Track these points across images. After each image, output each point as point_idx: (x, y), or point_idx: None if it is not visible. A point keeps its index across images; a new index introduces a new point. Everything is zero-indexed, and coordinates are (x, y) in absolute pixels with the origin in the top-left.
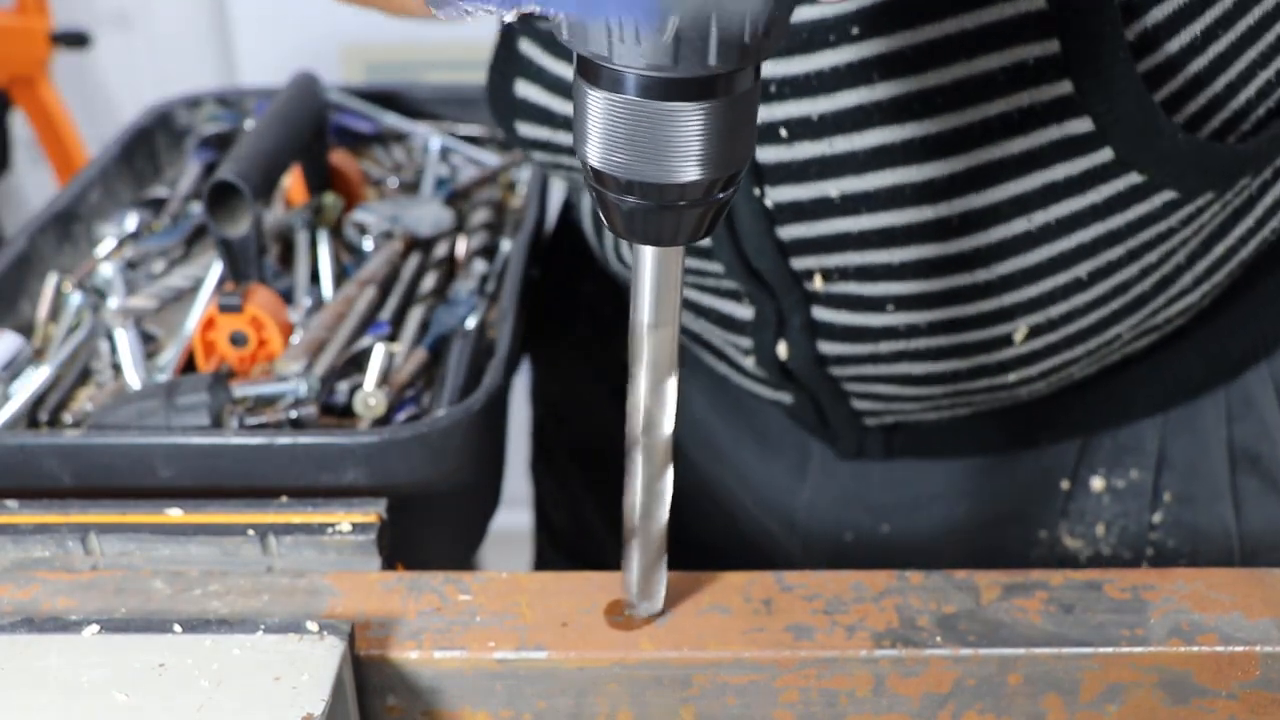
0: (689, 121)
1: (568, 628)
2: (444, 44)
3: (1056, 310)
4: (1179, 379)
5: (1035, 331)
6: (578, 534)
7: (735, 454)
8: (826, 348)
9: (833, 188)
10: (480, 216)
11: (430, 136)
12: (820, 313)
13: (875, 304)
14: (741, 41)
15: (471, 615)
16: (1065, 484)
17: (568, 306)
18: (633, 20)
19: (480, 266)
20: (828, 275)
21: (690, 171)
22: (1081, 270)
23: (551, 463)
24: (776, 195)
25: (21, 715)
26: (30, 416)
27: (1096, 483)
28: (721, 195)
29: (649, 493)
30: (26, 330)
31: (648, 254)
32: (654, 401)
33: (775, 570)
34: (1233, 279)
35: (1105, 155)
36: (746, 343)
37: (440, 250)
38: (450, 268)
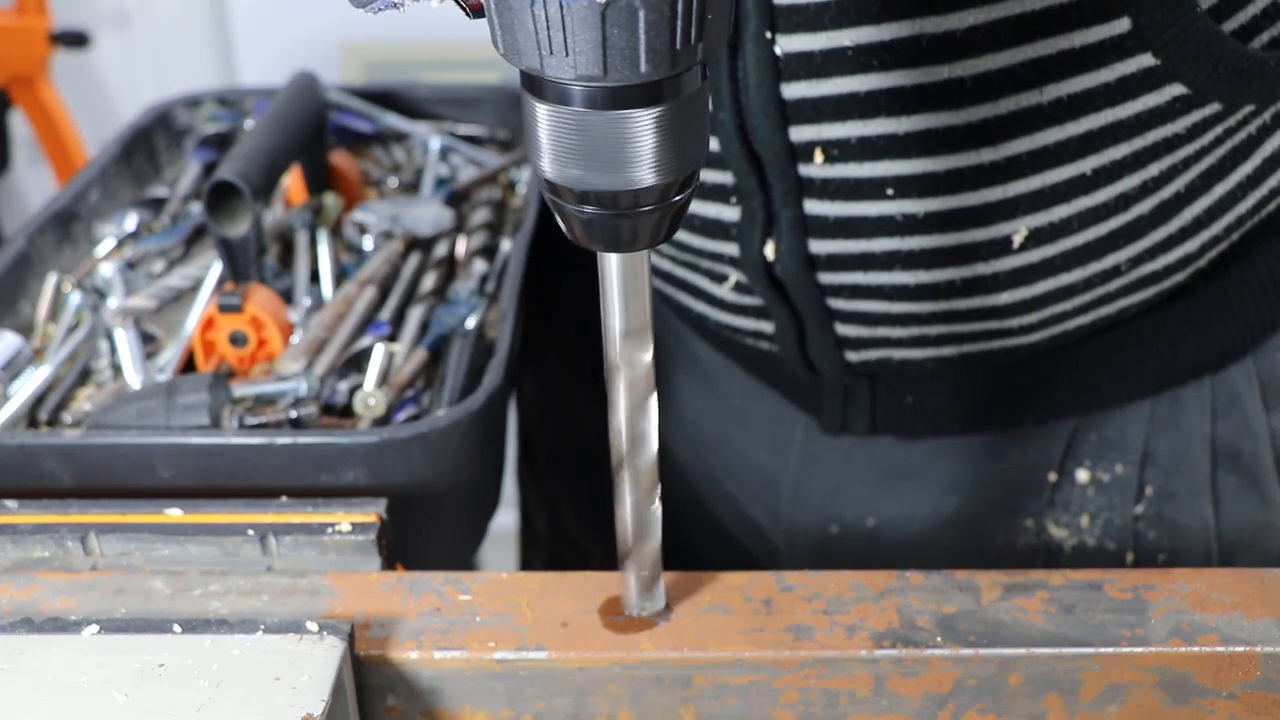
0: (635, 128)
1: (568, 628)
2: (444, 44)
3: (1058, 213)
4: (1164, 364)
5: (1035, 239)
6: (557, 539)
7: (721, 447)
8: (817, 246)
9: (847, 37)
10: (480, 216)
11: (430, 136)
12: (813, 205)
13: (874, 188)
14: (672, 47)
15: (471, 615)
16: (1052, 476)
17: (549, 308)
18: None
19: (480, 266)
20: (828, 151)
21: (643, 178)
22: (1086, 166)
23: (533, 466)
24: (788, 44)
25: (21, 715)
26: (30, 416)
27: (1082, 475)
28: (678, 198)
29: (639, 507)
30: (26, 330)
31: (612, 261)
32: (635, 408)
33: (772, 570)
34: (1230, 243)
35: (1123, 25)
36: (732, 250)
37: (440, 250)
38: (450, 268)
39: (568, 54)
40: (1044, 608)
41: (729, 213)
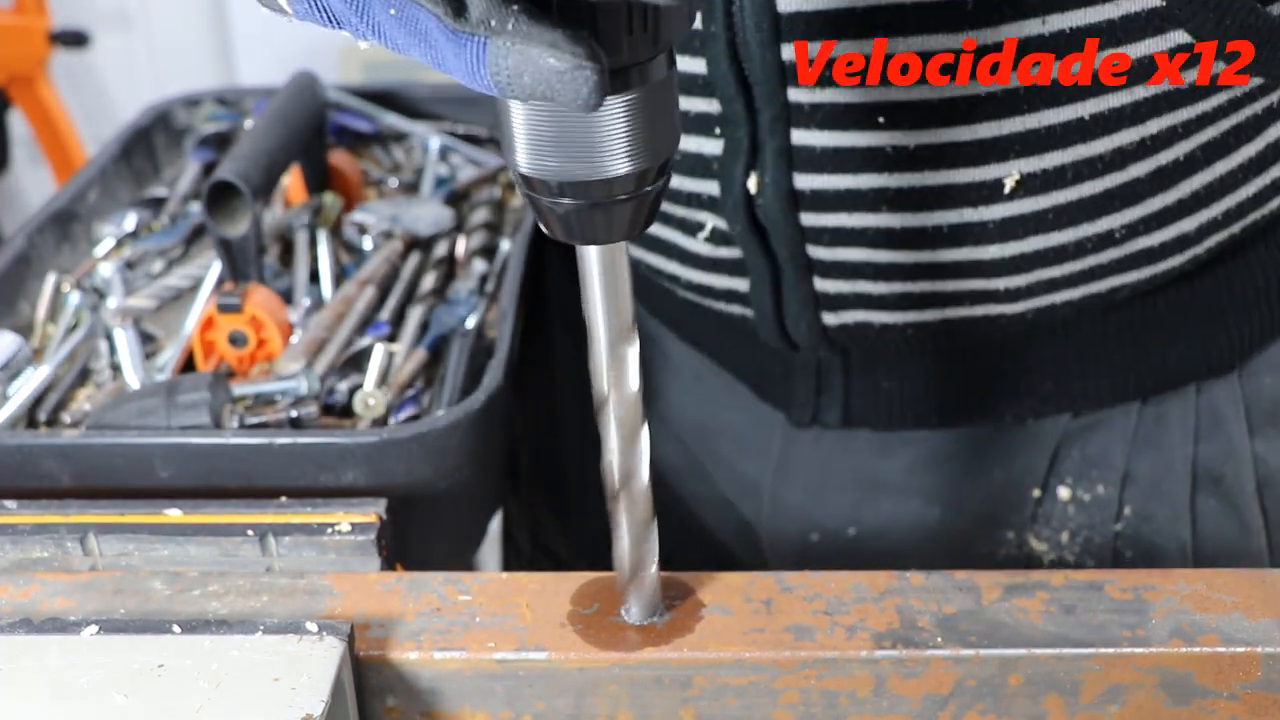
0: (606, 116)
1: (567, 628)
2: None
3: (1052, 159)
4: (1151, 365)
5: (1027, 186)
6: (540, 558)
7: (702, 452)
8: (802, 181)
9: None
10: (480, 216)
11: (429, 136)
12: (800, 135)
13: (865, 115)
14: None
15: (471, 616)
16: (1036, 492)
17: (536, 309)
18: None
19: (480, 266)
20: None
21: (617, 166)
22: (1085, 110)
23: (516, 482)
24: None
25: (21, 715)
26: (29, 416)
27: (1064, 492)
28: (651, 188)
29: (636, 537)
30: (25, 330)
31: (592, 254)
32: (628, 440)
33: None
34: (1230, 234)
35: None
36: (712, 188)
37: (440, 250)
38: (450, 268)
39: None
40: (1044, 608)
41: (711, 145)
